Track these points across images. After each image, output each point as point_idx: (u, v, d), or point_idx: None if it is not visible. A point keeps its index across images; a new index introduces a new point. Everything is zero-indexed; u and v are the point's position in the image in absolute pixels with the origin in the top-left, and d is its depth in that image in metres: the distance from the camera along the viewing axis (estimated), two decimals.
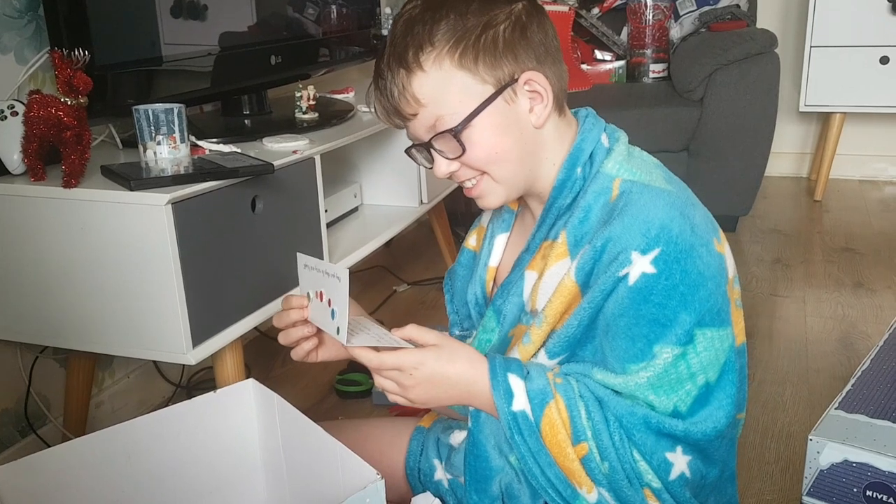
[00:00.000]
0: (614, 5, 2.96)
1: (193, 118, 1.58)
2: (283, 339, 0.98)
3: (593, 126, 0.95)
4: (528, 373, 0.89)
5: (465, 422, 0.98)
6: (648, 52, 2.85)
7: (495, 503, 0.96)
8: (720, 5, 2.84)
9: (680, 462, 0.87)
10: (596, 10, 2.97)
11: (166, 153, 1.18)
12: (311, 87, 1.63)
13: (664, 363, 0.85)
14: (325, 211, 1.45)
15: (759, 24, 2.90)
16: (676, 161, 2.47)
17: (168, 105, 1.17)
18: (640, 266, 0.83)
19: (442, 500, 1.04)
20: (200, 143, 1.30)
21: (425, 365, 0.87)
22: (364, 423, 1.19)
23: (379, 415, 1.60)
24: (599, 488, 0.87)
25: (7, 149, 1.16)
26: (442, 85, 0.88)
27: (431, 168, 0.95)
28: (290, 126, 1.52)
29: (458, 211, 2.52)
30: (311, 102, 1.62)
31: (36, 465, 0.90)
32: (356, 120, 1.64)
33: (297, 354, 0.99)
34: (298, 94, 1.62)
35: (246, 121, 1.60)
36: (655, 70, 2.86)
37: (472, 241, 1.13)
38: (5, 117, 1.15)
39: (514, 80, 0.89)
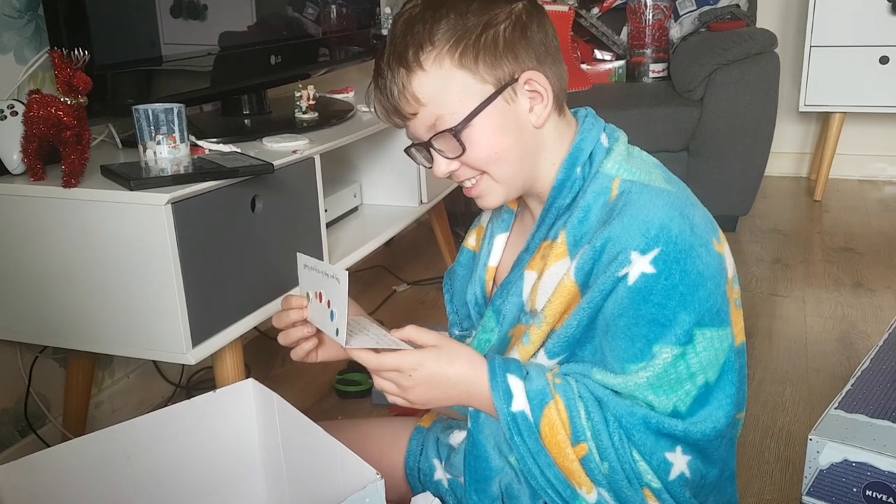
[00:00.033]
0: (614, 5, 2.96)
1: (193, 118, 1.58)
2: (282, 339, 0.98)
3: (593, 126, 0.95)
4: (528, 373, 0.89)
5: (465, 422, 0.98)
6: (648, 51, 2.85)
7: (495, 503, 0.96)
8: (720, 5, 2.84)
9: (679, 462, 0.87)
10: (596, 10, 2.97)
11: (166, 153, 1.18)
12: (310, 87, 1.63)
13: (664, 363, 0.85)
14: (325, 211, 1.45)
15: (759, 24, 2.89)
16: (676, 161, 2.47)
17: (168, 105, 1.17)
18: (640, 266, 0.83)
19: (442, 500, 1.04)
20: (200, 142, 1.30)
21: (424, 366, 0.87)
22: (364, 423, 1.19)
23: (379, 415, 1.60)
24: (599, 488, 0.87)
25: (7, 148, 1.16)
26: (442, 84, 0.88)
27: (431, 167, 0.95)
28: (290, 126, 1.51)
29: (457, 211, 2.52)
30: (311, 102, 1.62)
31: (36, 465, 0.90)
32: (356, 120, 1.64)
33: (296, 355, 0.99)
34: (298, 94, 1.62)
35: (246, 121, 1.60)
36: (655, 70, 2.86)
37: (471, 240, 1.13)
38: (5, 117, 1.15)
39: (514, 80, 0.89)
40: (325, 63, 1.80)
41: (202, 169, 1.14)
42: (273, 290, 1.29)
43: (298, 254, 0.96)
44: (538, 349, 0.93)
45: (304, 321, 0.96)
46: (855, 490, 1.02)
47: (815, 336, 1.89)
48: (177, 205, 1.07)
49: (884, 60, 2.75)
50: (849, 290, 2.16)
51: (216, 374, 1.25)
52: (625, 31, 2.94)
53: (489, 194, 0.95)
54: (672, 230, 0.84)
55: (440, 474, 1.06)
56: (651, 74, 2.86)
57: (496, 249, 1.06)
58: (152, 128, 1.17)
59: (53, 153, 1.15)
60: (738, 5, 2.83)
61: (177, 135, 1.18)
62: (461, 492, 1.01)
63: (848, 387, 1.17)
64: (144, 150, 1.19)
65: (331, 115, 1.63)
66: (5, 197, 1.15)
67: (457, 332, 1.13)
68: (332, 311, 0.90)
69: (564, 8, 2.79)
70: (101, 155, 1.31)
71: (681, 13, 2.89)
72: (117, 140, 1.41)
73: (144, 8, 1.31)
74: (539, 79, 0.90)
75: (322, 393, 1.72)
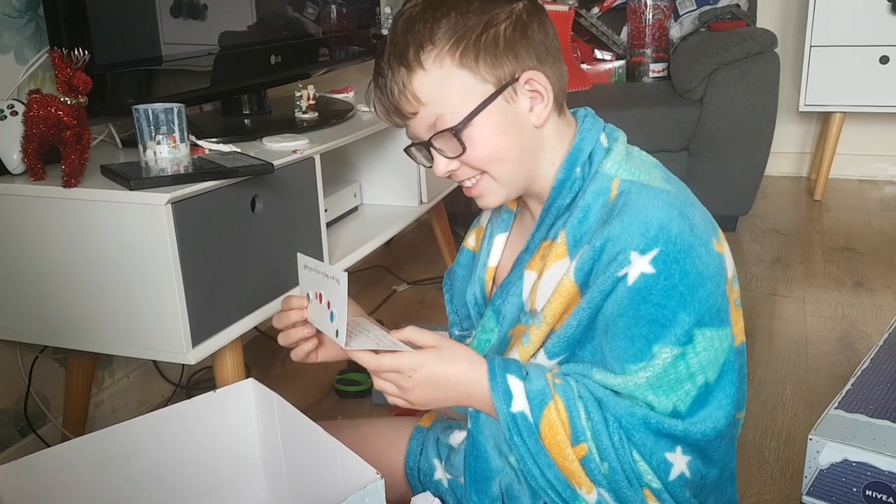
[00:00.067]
0: (614, 5, 2.96)
1: (193, 118, 1.58)
2: (282, 339, 0.98)
3: (592, 126, 0.95)
4: (527, 374, 0.89)
5: (465, 422, 0.98)
6: (648, 51, 2.85)
7: (495, 503, 0.96)
8: (720, 5, 2.84)
9: (679, 462, 0.87)
10: (596, 10, 2.97)
11: (166, 153, 1.18)
12: (310, 87, 1.63)
13: (663, 363, 0.85)
14: (325, 210, 1.45)
15: (759, 24, 2.89)
16: (676, 161, 2.47)
17: (168, 105, 1.17)
18: (639, 266, 0.83)
19: (442, 499, 1.04)
20: (200, 142, 1.30)
21: (424, 367, 0.87)
22: (364, 423, 1.19)
23: (378, 414, 1.60)
24: (599, 489, 0.87)
25: (7, 148, 1.16)
26: (442, 84, 0.88)
27: (431, 167, 0.95)
28: (290, 126, 1.51)
29: (457, 211, 2.52)
30: (311, 102, 1.62)
31: (35, 465, 0.90)
32: (356, 119, 1.64)
33: (296, 355, 0.99)
34: (298, 94, 1.62)
35: (246, 120, 1.60)
36: (655, 70, 2.86)
37: (471, 241, 1.13)
38: (5, 117, 1.15)
39: (514, 80, 0.89)
40: (325, 63, 1.80)
41: (202, 169, 1.14)
42: (273, 290, 1.29)
43: (299, 254, 0.96)
44: (538, 349, 0.93)
45: (304, 322, 0.96)
46: (855, 490, 1.02)
47: (815, 336, 1.89)
48: (177, 205, 1.07)
49: (884, 60, 2.75)
50: (849, 290, 2.16)
51: (216, 374, 1.25)
52: (625, 30, 2.94)
53: (489, 194, 0.95)
54: (671, 230, 0.84)
55: (440, 474, 1.06)
56: (651, 74, 2.86)
57: (496, 249, 1.06)
58: (152, 128, 1.17)
59: (53, 153, 1.15)
60: (738, 5, 2.83)
61: (177, 135, 1.18)
62: (461, 492, 1.01)
63: (848, 387, 1.17)
64: (144, 150, 1.19)
65: (331, 114, 1.63)
66: (5, 197, 1.15)
67: (457, 333, 1.13)
68: (332, 313, 0.90)
69: (564, 8, 2.79)
70: (101, 155, 1.31)
71: (681, 13, 2.89)
72: (117, 140, 1.41)
73: (144, 8, 1.31)
74: (539, 78, 0.90)
75: (322, 393, 1.72)
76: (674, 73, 2.67)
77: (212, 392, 1.03)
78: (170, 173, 1.11)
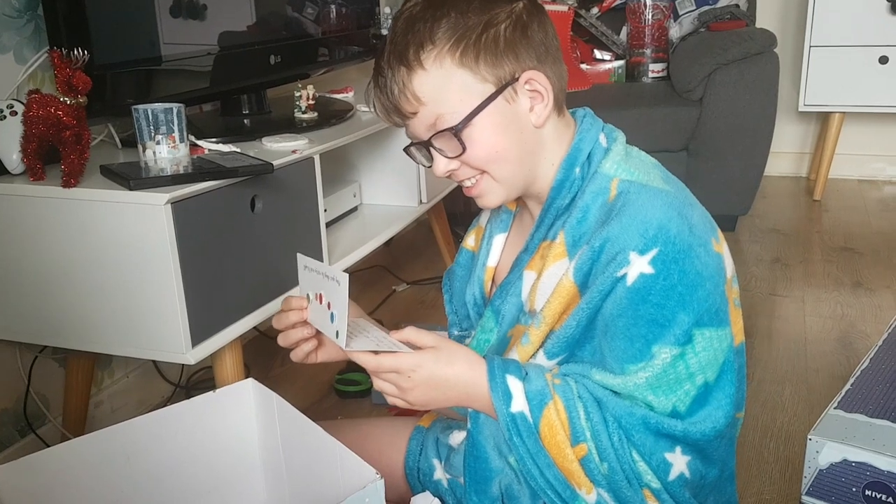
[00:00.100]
0: (613, 5, 2.96)
1: (193, 118, 1.58)
2: (282, 340, 0.98)
3: (591, 126, 0.95)
4: (527, 374, 0.89)
5: (465, 422, 0.98)
6: (648, 51, 2.85)
7: None
8: (719, 5, 2.84)
9: (679, 462, 0.87)
10: (595, 10, 2.97)
11: (165, 153, 1.18)
12: (310, 87, 1.63)
13: (663, 363, 0.85)
14: (325, 210, 1.45)
15: (759, 24, 2.90)
16: (675, 161, 2.47)
17: (167, 105, 1.17)
18: (638, 266, 0.83)
19: (441, 499, 1.04)
20: (200, 142, 1.30)
21: (423, 367, 0.87)
22: (363, 423, 1.19)
23: (378, 414, 1.60)
24: (599, 489, 0.87)
25: (6, 148, 1.16)
26: (442, 83, 0.88)
27: (430, 167, 0.95)
28: (290, 126, 1.51)
29: (457, 211, 2.52)
30: (311, 102, 1.62)
31: (35, 465, 0.90)
32: (355, 119, 1.64)
33: (296, 356, 0.99)
34: (298, 94, 1.62)
35: (245, 120, 1.60)
36: (655, 70, 2.86)
37: (470, 241, 1.13)
38: (4, 117, 1.15)
39: (514, 80, 0.89)
40: (325, 63, 1.80)
41: (202, 169, 1.14)
42: (273, 290, 1.29)
43: (299, 255, 0.96)
44: (537, 350, 0.93)
45: (304, 322, 0.96)
46: (854, 490, 1.02)
47: (814, 336, 1.89)
48: (176, 205, 1.07)
49: (883, 60, 2.75)
50: (848, 290, 2.16)
51: (216, 374, 1.25)
52: (624, 30, 2.94)
53: (489, 194, 0.95)
54: (670, 230, 0.84)
55: (440, 474, 1.06)
56: (650, 74, 2.86)
57: (495, 249, 1.06)
58: (152, 128, 1.17)
59: (53, 153, 1.15)
60: (737, 5, 2.83)
61: (176, 135, 1.18)
62: (461, 492, 1.01)
63: (847, 387, 1.17)
64: (144, 150, 1.19)
65: (330, 114, 1.63)
66: (5, 197, 1.15)
67: (456, 333, 1.13)
68: (332, 314, 0.90)
69: (564, 8, 2.79)
70: (100, 155, 1.31)
71: (680, 13, 2.89)
72: (117, 140, 1.41)
73: (144, 8, 1.31)
74: (539, 78, 0.90)
75: (322, 393, 1.72)
76: (673, 73, 2.67)
77: (211, 392, 1.03)
78: (169, 173, 1.11)
